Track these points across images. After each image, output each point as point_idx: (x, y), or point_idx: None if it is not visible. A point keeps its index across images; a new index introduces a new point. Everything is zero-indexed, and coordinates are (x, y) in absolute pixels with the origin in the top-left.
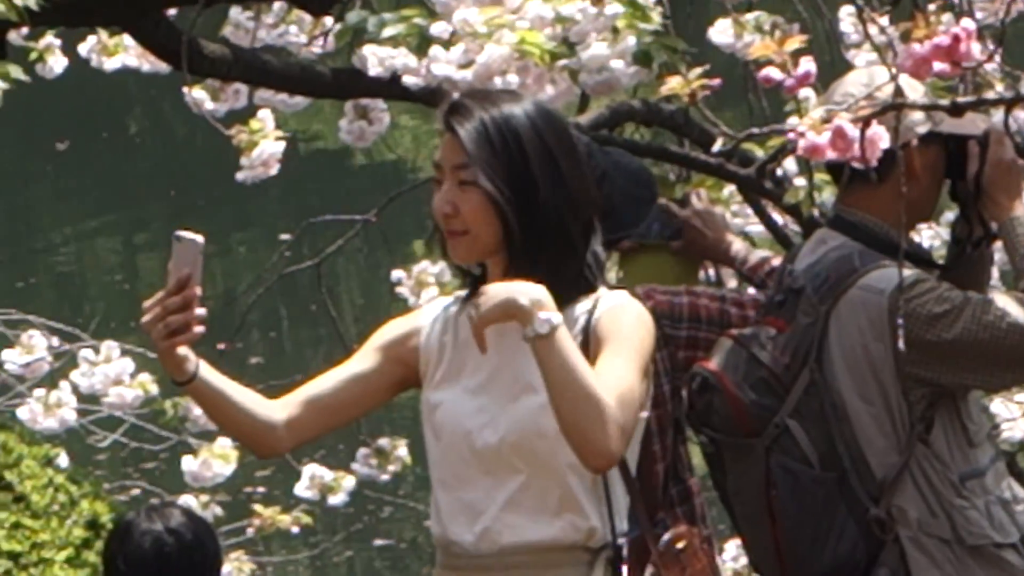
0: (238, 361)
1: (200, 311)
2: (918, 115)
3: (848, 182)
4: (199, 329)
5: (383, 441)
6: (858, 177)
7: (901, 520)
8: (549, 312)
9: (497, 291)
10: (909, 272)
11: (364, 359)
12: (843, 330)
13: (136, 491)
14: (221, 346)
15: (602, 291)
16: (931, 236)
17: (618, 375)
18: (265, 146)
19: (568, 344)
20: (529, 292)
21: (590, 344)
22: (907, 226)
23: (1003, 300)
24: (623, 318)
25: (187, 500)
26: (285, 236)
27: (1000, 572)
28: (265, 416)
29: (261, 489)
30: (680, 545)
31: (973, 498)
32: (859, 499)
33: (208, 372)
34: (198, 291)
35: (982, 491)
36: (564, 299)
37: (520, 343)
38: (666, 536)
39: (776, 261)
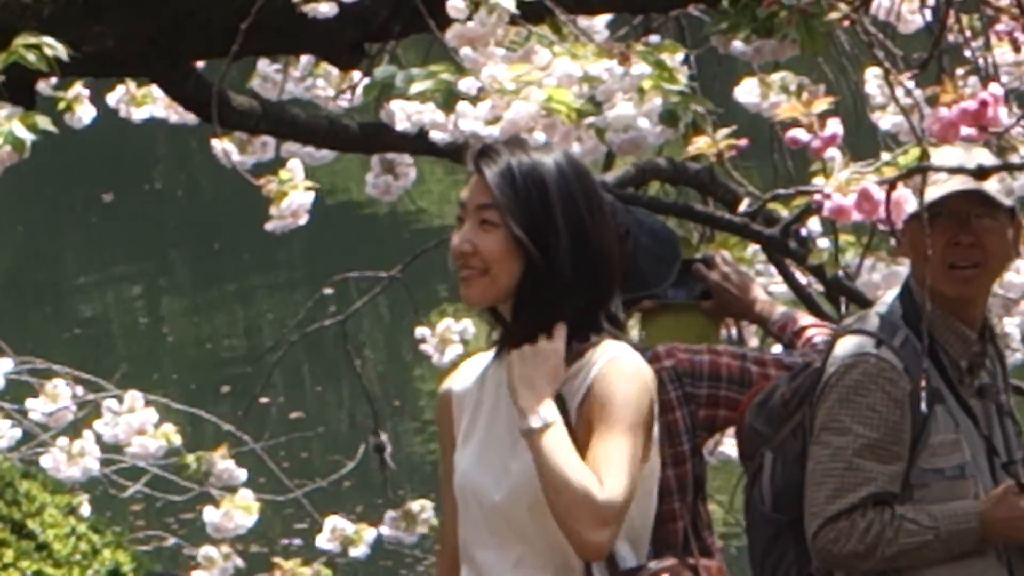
0: (280, 414)
1: None
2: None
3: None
4: None
5: (413, 504)
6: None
7: None
8: (546, 408)
9: (515, 371)
10: (858, 341)
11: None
12: (825, 382)
13: (171, 541)
14: (264, 400)
15: (605, 344)
16: None
17: (608, 460)
18: (295, 196)
19: (559, 442)
20: (534, 383)
21: (586, 402)
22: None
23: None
24: (617, 384)
25: (208, 551)
26: (328, 291)
27: None
28: None
29: (298, 541)
30: None
31: None
32: (806, 550)
33: None
34: None
35: None
36: (570, 352)
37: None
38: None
39: (802, 319)
